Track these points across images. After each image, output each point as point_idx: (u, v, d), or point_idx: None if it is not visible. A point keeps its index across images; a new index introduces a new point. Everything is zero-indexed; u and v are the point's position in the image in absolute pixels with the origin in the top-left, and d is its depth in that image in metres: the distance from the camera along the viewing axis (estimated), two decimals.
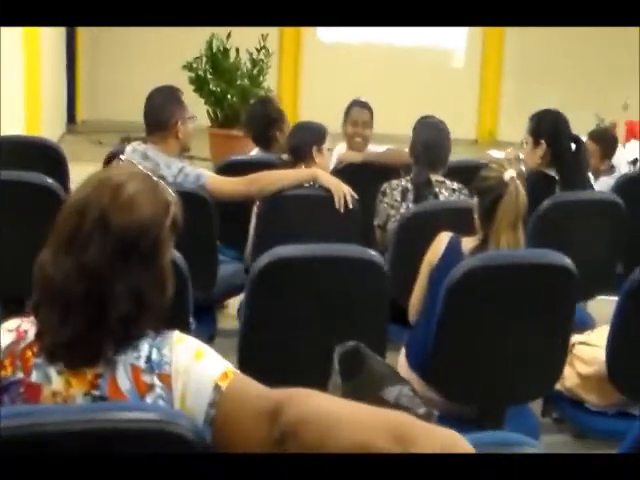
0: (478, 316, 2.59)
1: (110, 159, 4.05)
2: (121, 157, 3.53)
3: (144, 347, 1.48)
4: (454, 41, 10.73)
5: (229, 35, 6.48)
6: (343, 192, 3.50)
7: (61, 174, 4.26)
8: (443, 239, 2.81)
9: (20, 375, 1.47)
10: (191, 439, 1.38)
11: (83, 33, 9.65)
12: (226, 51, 6.47)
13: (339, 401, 1.42)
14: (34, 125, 6.78)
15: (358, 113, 4.72)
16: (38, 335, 1.50)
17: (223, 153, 5.53)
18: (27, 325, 1.54)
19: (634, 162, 6.11)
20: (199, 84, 6.43)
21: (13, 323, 1.57)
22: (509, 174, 2.74)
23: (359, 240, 3.44)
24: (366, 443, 1.29)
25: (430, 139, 3.77)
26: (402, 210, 3.70)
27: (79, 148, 4.59)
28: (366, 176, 4.30)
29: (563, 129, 3.89)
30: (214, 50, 6.43)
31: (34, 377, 1.47)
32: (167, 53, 9.66)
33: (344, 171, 4.29)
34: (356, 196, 3.55)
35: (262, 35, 6.72)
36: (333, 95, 9.50)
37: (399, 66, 10.29)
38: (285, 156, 4.04)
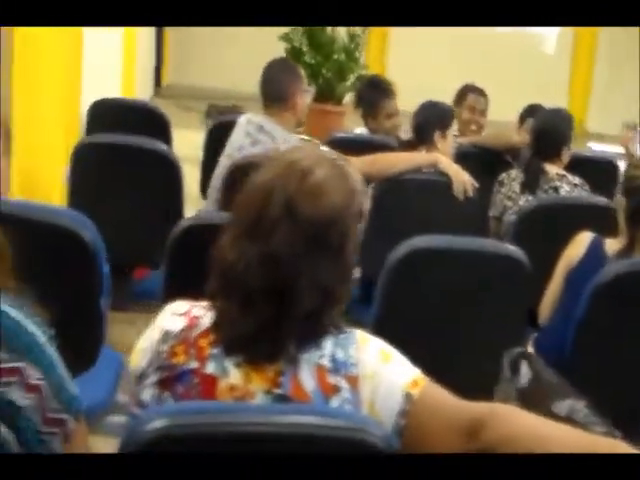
0: (623, 322, 2.44)
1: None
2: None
3: (327, 345, 1.37)
4: (545, 28, 10.41)
5: None
6: (464, 180, 3.35)
7: (166, 140, 4.20)
8: (584, 239, 2.64)
9: (194, 364, 1.37)
10: (383, 450, 1.26)
11: None
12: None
13: (543, 420, 1.30)
14: (129, 89, 6.76)
15: (476, 100, 4.57)
16: (215, 325, 1.39)
17: (317, 128, 5.41)
18: (199, 311, 1.44)
19: None
20: (295, 56, 6.31)
21: (181, 307, 1.47)
22: None
23: (477, 230, 3.31)
24: None
25: (545, 126, 3.58)
26: (521, 202, 3.54)
27: (169, 112, 4.54)
28: (472, 161, 4.16)
29: None
30: None
31: (210, 368, 1.36)
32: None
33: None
34: (477, 184, 3.40)
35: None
36: (420, 75, 9.35)
37: (489, 50, 10.02)
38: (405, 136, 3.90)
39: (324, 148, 2.68)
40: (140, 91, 7.40)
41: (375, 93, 4.32)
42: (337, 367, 1.34)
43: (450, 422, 1.29)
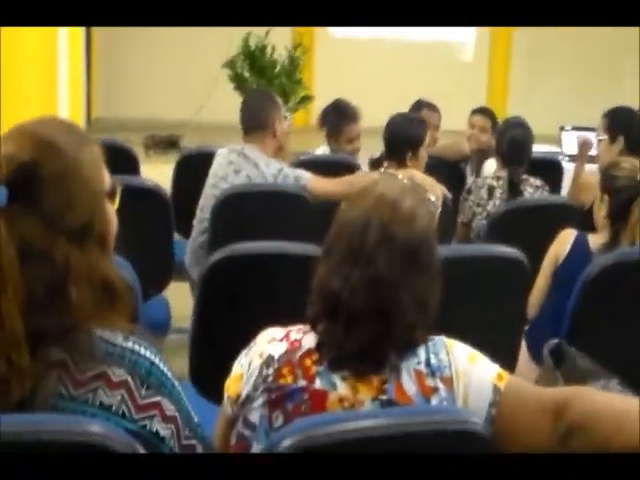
0: (614, 312, 2.68)
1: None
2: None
3: (421, 352, 1.55)
4: (462, 35, 10.83)
5: (268, 32, 6.53)
6: (438, 192, 3.57)
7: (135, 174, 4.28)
8: (569, 236, 2.90)
9: (303, 383, 1.53)
10: (485, 436, 1.45)
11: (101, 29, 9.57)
12: (264, 48, 6.51)
13: (620, 398, 1.51)
14: None
15: (428, 115, 4.80)
16: (319, 345, 1.56)
17: None
18: (298, 334, 1.60)
19: None
20: (238, 82, 6.47)
21: (277, 333, 1.63)
22: None
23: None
24: None
25: (518, 138, 3.86)
26: (489, 208, 3.79)
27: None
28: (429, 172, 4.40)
29: (637, 124, 4.00)
30: (252, 48, 6.47)
31: (318, 384, 1.53)
32: (188, 49, 9.67)
33: None
34: (450, 195, 3.63)
35: (298, 32, 6.69)
36: (344, 89, 9.60)
37: (408, 60, 10.38)
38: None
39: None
40: None
41: (338, 117, 4.52)
42: (433, 371, 1.53)
43: (536, 406, 1.49)
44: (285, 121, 3.63)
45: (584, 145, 4.02)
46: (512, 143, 3.84)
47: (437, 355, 1.55)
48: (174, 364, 1.48)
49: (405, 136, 3.59)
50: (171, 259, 3.51)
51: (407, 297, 1.52)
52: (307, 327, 1.61)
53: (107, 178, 1.46)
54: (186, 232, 3.90)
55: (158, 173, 4.71)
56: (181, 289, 3.89)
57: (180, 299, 3.81)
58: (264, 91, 3.70)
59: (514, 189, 3.76)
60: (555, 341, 1.96)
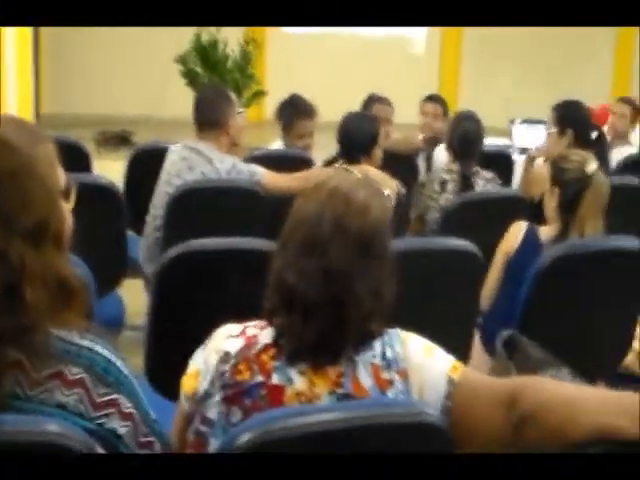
0: (564, 302, 2.74)
1: None
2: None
3: (377, 345, 1.57)
4: (414, 29, 10.92)
5: (219, 28, 6.50)
6: (393, 186, 3.59)
7: (87, 171, 4.25)
8: (520, 229, 2.95)
9: (260, 378, 1.54)
10: (441, 428, 1.48)
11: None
12: (215, 44, 6.48)
13: (571, 386, 1.55)
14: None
15: (380, 109, 4.83)
16: (276, 339, 1.57)
17: None
18: (254, 330, 1.61)
19: None
20: (190, 77, 6.43)
21: (233, 329, 1.64)
22: (592, 166, 2.89)
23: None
24: (608, 425, 1.40)
25: (469, 132, 3.91)
26: (441, 201, 3.83)
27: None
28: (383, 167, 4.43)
29: (587, 118, 4.08)
30: (204, 43, 6.44)
31: (275, 379, 1.54)
32: (139, 45, 9.59)
33: None
34: (404, 190, 3.66)
35: (249, 27, 6.69)
36: (297, 84, 9.61)
37: (361, 54, 10.43)
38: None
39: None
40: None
41: (291, 111, 4.52)
42: (389, 364, 1.55)
43: (489, 397, 1.52)
44: (239, 117, 3.63)
45: (530, 159, 4.07)
46: (463, 137, 3.89)
47: (392, 348, 1.57)
48: (129, 361, 1.47)
49: (358, 136, 3.59)
50: (125, 256, 3.49)
51: (361, 287, 1.53)
52: (264, 323, 1.62)
53: (62, 176, 1.45)
54: (139, 229, 3.88)
55: (109, 169, 4.66)
56: (135, 286, 3.88)
57: (134, 296, 3.80)
58: (217, 87, 3.69)
59: (466, 182, 3.81)
60: (508, 332, 1.99)
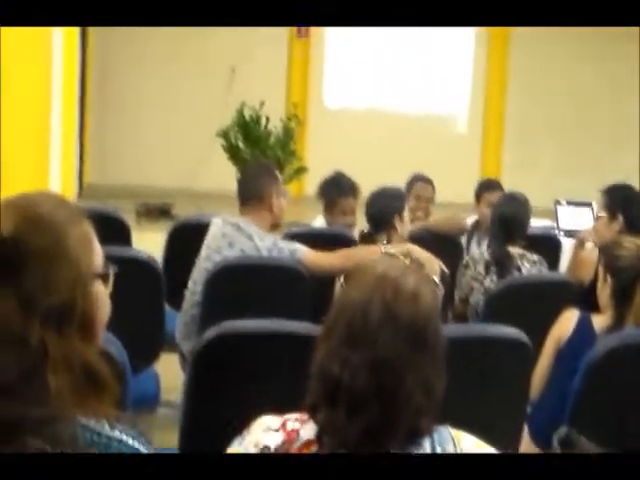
0: (620, 396, 2.60)
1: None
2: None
3: (425, 444, 1.47)
4: (456, 107, 10.97)
5: (262, 104, 6.56)
6: (436, 266, 3.52)
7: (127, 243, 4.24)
8: (572, 317, 2.84)
9: None
10: None
11: (93, 92, 9.63)
12: (258, 119, 6.53)
13: None
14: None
15: (422, 189, 4.85)
16: (318, 437, 1.47)
17: None
18: (295, 424, 1.51)
19: None
20: (232, 152, 6.47)
21: (273, 421, 1.54)
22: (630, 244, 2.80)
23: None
24: None
25: (506, 213, 3.84)
26: (486, 283, 3.73)
27: None
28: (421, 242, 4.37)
29: (637, 202, 3.97)
30: (246, 118, 6.49)
31: None
32: (180, 118, 9.74)
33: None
34: (447, 271, 3.57)
35: (293, 104, 6.72)
36: (338, 161, 9.66)
37: (403, 132, 10.49)
38: (363, 229, 4.05)
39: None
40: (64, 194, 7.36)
41: (335, 189, 4.50)
42: None
43: None
44: (283, 196, 3.59)
45: (580, 243, 3.97)
46: (500, 219, 3.83)
47: (443, 447, 1.47)
48: (164, 438, 1.40)
49: (385, 208, 3.74)
50: (162, 332, 3.43)
51: (412, 380, 1.44)
52: (305, 416, 1.52)
53: (98, 258, 1.39)
54: (176, 303, 3.82)
55: (149, 242, 4.66)
56: (171, 361, 3.81)
57: (170, 371, 3.73)
58: (263, 163, 3.69)
59: (508, 265, 3.71)
60: (564, 429, 1.87)
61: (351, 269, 3.49)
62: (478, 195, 5.11)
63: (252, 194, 3.54)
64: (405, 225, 3.87)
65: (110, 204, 8.60)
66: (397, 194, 3.91)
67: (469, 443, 1.49)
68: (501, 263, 3.76)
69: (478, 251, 3.94)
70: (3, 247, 1.23)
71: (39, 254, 1.25)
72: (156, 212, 7.94)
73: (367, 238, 3.93)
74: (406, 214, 3.87)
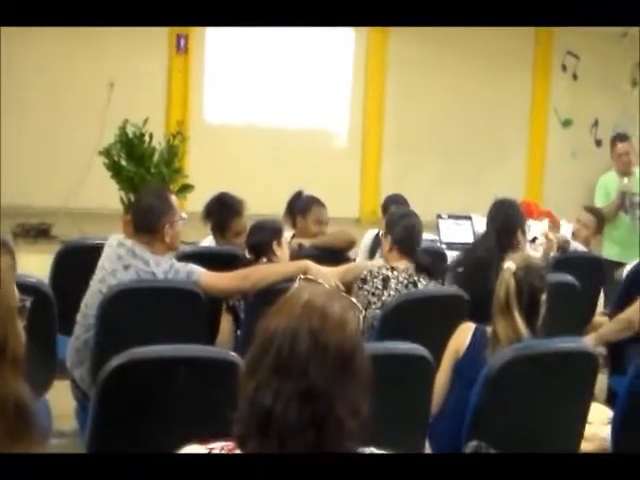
0: (516, 403, 2.72)
1: None
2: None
3: None
4: (337, 123, 11.12)
5: (146, 120, 6.46)
6: (332, 284, 3.57)
7: None
8: (468, 330, 2.93)
9: None
10: None
11: None
12: (142, 136, 6.43)
13: None
14: None
15: (321, 212, 4.92)
16: None
17: None
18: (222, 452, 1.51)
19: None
20: (115, 170, 6.34)
21: (197, 450, 1.53)
22: (507, 264, 2.94)
23: None
24: None
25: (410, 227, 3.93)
26: (384, 298, 3.79)
27: None
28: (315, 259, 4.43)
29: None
30: (130, 136, 6.38)
31: None
32: (56, 135, 9.44)
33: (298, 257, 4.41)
34: (343, 287, 3.63)
35: (177, 121, 6.65)
36: (222, 176, 9.61)
37: (284, 147, 10.53)
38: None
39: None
40: None
41: (224, 211, 4.49)
42: None
43: None
44: (177, 224, 3.54)
45: None
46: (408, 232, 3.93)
47: None
48: None
49: (264, 238, 3.97)
50: (54, 360, 3.33)
51: (342, 407, 1.46)
52: (231, 445, 1.52)
53: (16, 291, 1.36)
54: (65, 328, 3.70)
55: (28, 264, 4.50)
56: (60, 388, 3.69)
57: (60, 399, 3.61)
58: (158, 191, 3.64)
59: (410, 280, 3.80)
60: (473, 442, 1.95)
61: (247, 289, 3.56)
62: (385, 209, 5.24)
63: (145, 225, 3.49)
64: (284, 249, 3.99)
65: None
66: (275, 224, 4.09)
67: None
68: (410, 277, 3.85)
69: (377, 265, 3.99)
70: None
71: None
72: (34, 232, 7.69)
73: (247, 262, 3.95)
74: (284, 239, 4.03)
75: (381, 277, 3.83)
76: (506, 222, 4.35)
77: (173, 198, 3.64)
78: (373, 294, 3.82)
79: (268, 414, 1.44)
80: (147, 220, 3.47)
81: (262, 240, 3.96)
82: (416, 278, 3.83)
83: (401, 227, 3.90)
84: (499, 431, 2.74)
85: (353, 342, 1.51)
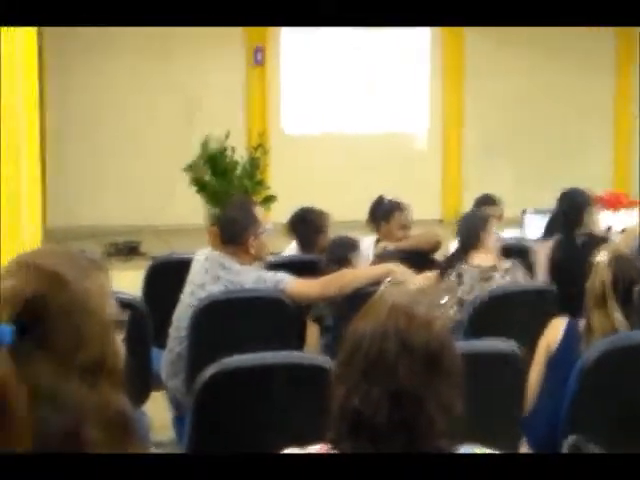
0: (612, 396, 2.67)
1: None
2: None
3: None
4: (416, 126, 11.07)
5: (227, 135, 6.58)
6: (419, 282, 3.55)
7: None
8: (560, 325, 2.89)
9: None
10: None
11: (51, 133, 9.53)
12: (224, 151, 6.54)
13: None
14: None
15: (404, 217, 4.93)
16: None
17: None
18: None
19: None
20: (200, 185, 6.48)
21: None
22: (600, 256, 2.88)
23: None
24: None
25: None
26: (459, 294, 3.77)
27: None
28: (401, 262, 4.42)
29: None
30: (212, 151, 6.51)
31: None
32: (140, 154, 9.68)
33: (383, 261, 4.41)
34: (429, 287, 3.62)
35: (258, 133, 6.73)
36: (303, 186, 9.70)
37: (363, 153, 10.55)
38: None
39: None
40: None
41: (309, 229, 4.53)
42: None
43: None
44: (262, 235, 3.60)
45: None
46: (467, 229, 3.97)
47: None
48: None
49: (342, 257, 4.03)
50: (150, 373, 3.42)
51: (433, 407, 1.47)
52: (327, 446, 1.53)
53: (114, 305, 1.40)
54: (158, 341, 3.80)
55: (123, 280, 4.62)
56: (156, 400, 3.78)
57: (157, 411, 3.70)
58: (243, 204, 3.73)
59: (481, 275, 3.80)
60: (572, 437, 1.92)
61: (334, 294, 3.59)
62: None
63: (231, 237, 3.57)
64: (359, 262, 4.05)
65: (75, 247, 8.52)
66: (350, 240, 4.18)
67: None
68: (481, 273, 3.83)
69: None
70: (30, 307, 1.23)
71: (65, 312, 1.26)
72: (125, 251, 7.91)
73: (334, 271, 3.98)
74: (359, 257, 4.09)
75: (455, 273, 3.81)
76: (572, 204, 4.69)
77: (258, 210, 3.70)
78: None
79: (358, 417, 1.46)
80: (232, 232, 3.54)
81: (341, 256, 4.01)
82: (490, 274, 3.81)
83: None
84: (597, 424, 2.69)
85: (440, 341, 1.51)
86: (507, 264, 3.92)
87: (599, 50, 11.12)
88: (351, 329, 1.55)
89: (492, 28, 10.24)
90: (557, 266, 4.19)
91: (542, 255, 4.59)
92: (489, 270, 3.83)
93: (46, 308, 1.25)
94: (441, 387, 1.48)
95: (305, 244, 4.54)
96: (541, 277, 4.47)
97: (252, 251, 3.54)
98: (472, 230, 3.98)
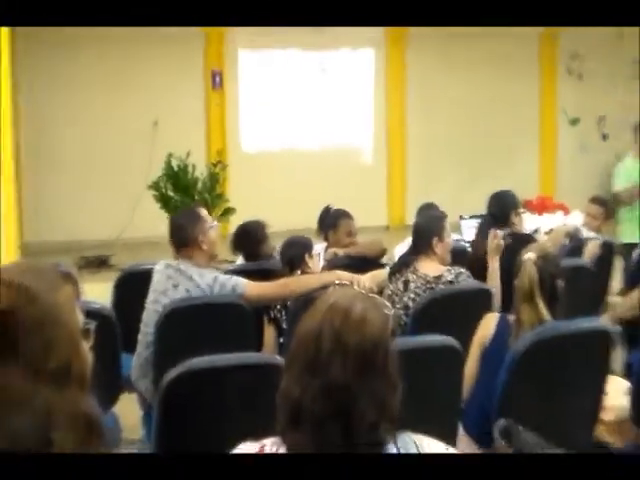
0: (540, 382, 2.73)
1: None
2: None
3: (391, 449, 1.52)
4: (363, 140, 11.17)
5: (189, 154, 6.58)
6: (364, 284, 3.57)
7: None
8: (493, 318, 2.95)
9: None
10: None
11: (26, 152, 9.42)
12: (186, 168, 6.54)
13: None
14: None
15: (350, 225, 4.95)
16: None
17: None
18: (272, 447, 1.56)
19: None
20: (164, 201, 6.47)
21: (250, 447, 1.57)
22: (527, 255, 2.94)
23: None
24: None
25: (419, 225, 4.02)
26: (405, 299, 3.79)
27: None
28: (349, 267, 4.45)
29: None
30: (175, 169, 6.50)
31: None
32: (112, 172, 9.62)
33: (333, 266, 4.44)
34: (376, 289, 3.66)
35: (217, 151, 6.75)
36: (259, 200, 9.71)
37: (313, 167, 10.63)
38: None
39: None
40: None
41: (250, 240, 4.53)
42: None
43: None
44: (211, 231, 3.62)
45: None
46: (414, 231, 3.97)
47: (407, 450, 1.53)
48: None
49: (296, 253, 4.01)
50: (120, 377, 3.41)
51: (364, 401, 1.48)
52: (279, 439, 1.56)
53: (81, 316, 1.41)
54: (127, 346, 3.78)
55: (93, 291, 4.60)
56: (127, 401, 3.78)
57: (127, 411, 3.70)
58: (187, 209, 3.75)
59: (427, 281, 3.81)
60: (502, 421, 1.96)
61: (287, 296, 3.61)
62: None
63: (182, 241, 3.57)
64: (315, 261, 4.04)
65: (50, 261, 8.43)
66: (305, 240, 4.12)
67: (431, 446, 1.56)
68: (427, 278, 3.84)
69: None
70: (1, 321, 1.23)
71: (34, 324, 1.26)
72: (96, 263, 7.84)
73: (283, 273, 3.99)
74: (314, 253, 4.06)
75: (402, 279, 3.83)
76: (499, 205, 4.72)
77: (201, 210, 3.71)
78: (396, 294, 3.83)
79: (298, 406, 1.49)
80: (181, 235, 3.56)
81: (295, 254, 4.01)
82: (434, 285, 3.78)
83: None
84: (525, 408, 2.75)
85: (374, 340, 1.52)
86: (452, 275, 3.78)
87: (524, 58, 11.31)
88: (298, 327, 1.58)
89: (432, 44, 10.41)
90: (485, 265, 4.23)
91: None
92: (434, 281, 3.78)
93: (16, 321, 1.26)
94: (374, 383, 1.50)
95: (250, 256, 4.55)
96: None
97: (205, 247, 3.55)
98: (424, 236, 3.84)
